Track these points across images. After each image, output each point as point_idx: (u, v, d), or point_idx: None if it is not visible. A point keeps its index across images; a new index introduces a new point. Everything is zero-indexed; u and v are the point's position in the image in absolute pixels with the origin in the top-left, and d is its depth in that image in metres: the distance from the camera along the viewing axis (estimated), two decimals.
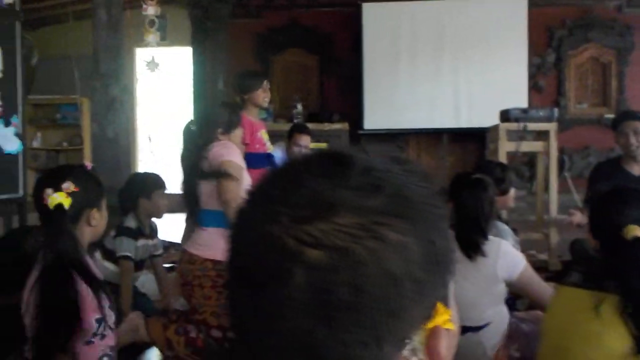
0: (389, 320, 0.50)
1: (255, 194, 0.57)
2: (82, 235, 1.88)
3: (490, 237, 2.51)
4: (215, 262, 2.71)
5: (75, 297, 1.74)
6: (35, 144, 8.39)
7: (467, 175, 2.69)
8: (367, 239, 0.50)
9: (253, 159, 3.73)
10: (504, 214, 3.25)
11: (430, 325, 0.54)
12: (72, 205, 1.80)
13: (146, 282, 3.87)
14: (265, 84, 3.92)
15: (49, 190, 1.80)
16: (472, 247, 2.43)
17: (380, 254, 0.50)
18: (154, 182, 3.61)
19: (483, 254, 2.41)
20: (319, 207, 0.51)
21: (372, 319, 0.50)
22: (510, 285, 2.50)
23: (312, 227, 0.50)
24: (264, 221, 0.52)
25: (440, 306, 0.55)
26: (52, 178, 1.87)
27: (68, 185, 1.81)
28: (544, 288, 2.51)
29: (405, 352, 0.53)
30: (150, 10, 4.62)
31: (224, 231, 2.73)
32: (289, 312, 0.50)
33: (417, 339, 0.54)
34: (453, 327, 0.57)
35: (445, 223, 0.58)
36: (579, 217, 3.52)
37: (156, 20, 4.68)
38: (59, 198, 1.78)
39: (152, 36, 4.75)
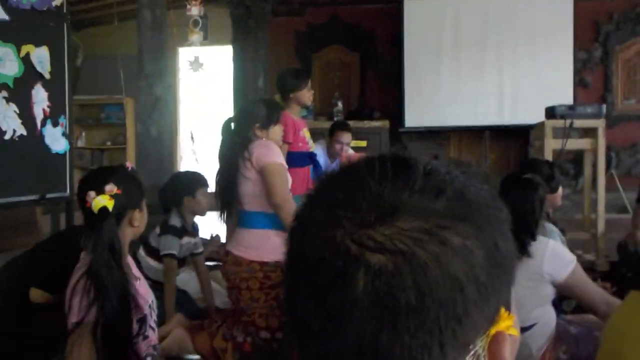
0: (453, 325, 0.50)
1: (316, 197, 0.57)
2: (124, 235, 1.91)
3: (539, 237, 2.47)
4: (262, 264, 2.72)
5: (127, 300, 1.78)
6: (80, 143, 8.60)
7: (517, 175, 2.65)
8: (430, 243, 0.49)
9: (296, 158, 3.74)
10: (551, 213, 3.18)
11: (493, 330, 0.54)
12: (115, 207, 1.83)
13: (187, 279, 3.91)
14: (309, 83, 3.91)
15: (92, 194, 1.83)
16: (520, 247, 2.40)
17: (444, 258, 0.49)
18: (197, 181, 3.64)
19: (529, 255, 2.38)
20: (382, 211, 0.51)
21: (436, 324, 0.49)
22: (557, 286, 2.46)
23: (375, 231, 0.50)
24: (326, 225, 0.52)
25: (503, 311, 0.54)
26: (94, 180, 1.89)
27: (111, 188, 1.84)
28: (593, 291, 2.46)
29: (469, 357, 0.52)
30: (194, 10, 4.68)
31: (270, 232, 2.74)
32: (354, 316, 0.49)
33: (481, 345, 0.53)
34: (516, 332, 0.56)
35: (508, 226, 0.57)
36: None
37: (200, 20, 4.73)
38: (103, 201, 1.81)
39: (195, 36, 4.81)
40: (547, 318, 2.51)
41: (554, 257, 2.42)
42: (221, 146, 2.94)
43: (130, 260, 2.06)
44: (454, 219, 0.51)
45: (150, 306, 2.00)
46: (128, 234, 1.92)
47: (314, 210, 0.56)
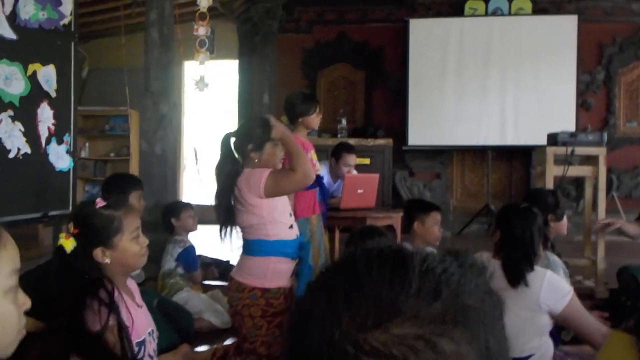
0: None
1: (317, 290, 0.59)
2: (105, 269, 1.92)
3: (537, 267, 2.49)
4: (263, 291, 2.71)
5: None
6: (84, 154, 8.63)
7: (516, 205, 2.67)
8: (424, 351, 0.51)
9: None
10: (553, 240, 3.18)
11: None
12: (75, 247, 1.87)
13: (187, 298, 3.94)
14: (318, 107, 3.93)
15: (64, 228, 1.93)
16: (517, 277, 2.41)
17: None
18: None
19: (526, 284, 2.39)
20: (379, 314, 0.53)
21: None
22: (554, 317, 2.47)
23: (371, 336, 0.52)
24: (326, 323, 0.54)
25: None
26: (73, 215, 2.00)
27: (69, 227, 1.90)
28: (589, 322, 2.47)
29: None
30: (202, 30, 4.71)
31: (270, 259, 2.74)
32: None
33: None
34: None
35: (501, 323, 0.59)
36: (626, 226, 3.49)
37: (206, 40, 4.77)
38: (61, 239, 1.87)
39: (202, 56, 4.84)
40: (544, 349, 2.52)
41: (551, 287, 2.43)
42: (219, 161, 2.88)
43: (131, 288, 2.07)
44: (448, 325, 0.53)
45: (149, 333, 2.01)
46: (106, 269, 1.92)
47: (315, 303, 0.58)
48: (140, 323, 1.95)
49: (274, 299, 2.71)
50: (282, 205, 2.79)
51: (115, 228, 1.92)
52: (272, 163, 2.83)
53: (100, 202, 1.95)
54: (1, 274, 1.08)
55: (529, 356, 2.45)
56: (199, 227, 4.39)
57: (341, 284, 0.57)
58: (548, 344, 2.54)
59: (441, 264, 0.57)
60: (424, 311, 0.53)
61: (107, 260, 1.90)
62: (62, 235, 1.87)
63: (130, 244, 1.95)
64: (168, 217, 4.21)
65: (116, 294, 1.87)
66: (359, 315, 0.53)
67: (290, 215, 2.86)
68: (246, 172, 2.74)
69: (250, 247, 2.80)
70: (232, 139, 2.87)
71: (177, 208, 4.29)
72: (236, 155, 2.82)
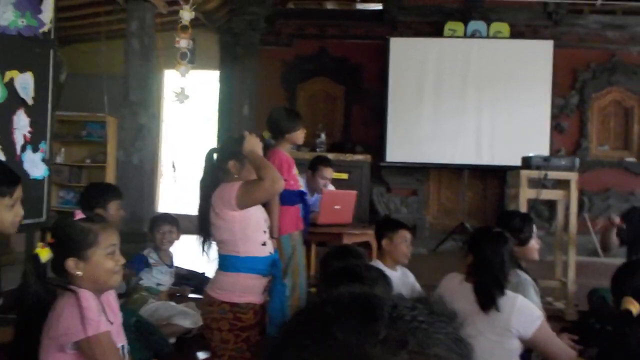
0: None
1: (287, 338, 0.60)
2: (79, 281, 1.93)
3: (508, 292, 2.51)
4: (232, 305, 2.71)
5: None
6: (59, 159, 8.51)
7: (489, 228, 2.70)
8: None
9: (287, 196, 3.76)
10: (524, 265, 3.21)
11: None
12: (52, 257, 1.90)
13: (156, 308, 3.93)
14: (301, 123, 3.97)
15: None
16: (489, 302, 2.44)
17: None
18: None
19: (497, 309, 2.42)
20: None
21: None
22: (524, 341, 2.50)
23: None
24: None
25: None
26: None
27: (47, 237, 1.94)
28: (558, 347, 2.51)
29: None
30: (183, 43, 4.70)
31: (240, 275, 2.73)
32: None
33: None
34: None
35: None
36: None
37: (188, 53, 4.76)
38: (37, 248, 1.90)
39: (182, 68, 4.83)
40: None
41: (521, 312, 2.45)
42: (202, 175, 2.90)
43: (109, 302, 2.06)
44: None
45: (121, 348, 2.01)
46: (78, 282, 1.92)
47: (286, 348, 0.59)
48: (115, 337, 1.96)
49: (243, 314, 2.71)
50: (256, 222, 2.79)
51: (90, 241, 1.93)
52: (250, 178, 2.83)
53: (78, 214, 1.97)
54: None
55: None
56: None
57: (311, 330, 0.58)
58: None
59: (411, 311, 0.58)
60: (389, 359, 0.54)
61: (79, 273, 1.91)
62: (39, 244, 1.89)
63: (105, 259, 1.95)
64: (150, 230, 4.22)
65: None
66: None
67: (265, 232, 2.85)
68: (221, 187, 2.76)
69: (222, 262, 2.81)
70: (215, 155, 2.90)
71: (153, 222, 4.27)
72: (215, 171, 2.85)
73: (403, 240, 3.39)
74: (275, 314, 2.80)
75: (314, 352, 0.56)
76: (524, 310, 2.47)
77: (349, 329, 0.56)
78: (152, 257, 4.09)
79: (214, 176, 2.84)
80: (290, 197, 3.81)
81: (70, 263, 1.90)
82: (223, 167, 2.83)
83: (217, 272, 2.85)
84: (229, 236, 2.74)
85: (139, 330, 3.38)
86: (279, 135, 3.87)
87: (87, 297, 1.87)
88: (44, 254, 1.87)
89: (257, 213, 2.83)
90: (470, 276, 2.57)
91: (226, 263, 2.79)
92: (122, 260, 2.02)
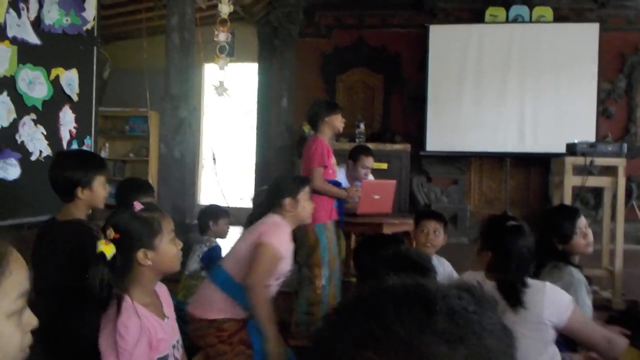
0: None
1: (342, 329, 0.59)
2: (140, 275, 1.93)
3: (534, 282, 2.46)
4: (210, 321, 2.68)
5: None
6: (103, 154, 8.72)
7: (502, 221, 2.56)
8: None
9: None
10: (577, 259, 3.09)
11: None
12: (116, 252, 1.86)
13: None
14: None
15: (101, 235, 1.90)
16: (516, 300, 2.37)
17: None
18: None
19: (524, 307, 2.35)
20: (408, 358, 0.54)
21: None
22: (558, 330, 2.44)
23: None
24: None
25: None
26: (107, 220, 1.95)
27: (109, 233, 1.88)
28: (592, 329, 2.45)
29: None
30: (222, 36, 4.74)
31: (225, 298, 2.67)
32: None
33: None
34: None
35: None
36: None
37: (226, 46, 4.80)
38: (100, 246, 1.85)
39: (222, 62, 4.87)
40: (553, 358, 2.49)
41: (553, 302, 2.37)
42: (251, 213, 3.02)
43: (164, 295, 2.08)
44: None
45: (174, 346, 2.02)
46: (145, 272, 1.94)
47: (340, 343, 0.58)
48: (162, 338, 1.94)
49: (224, 323, 2.67)
50: (281, 267, 2.77)
51: (155, 229, 1.93)
52: (304, 216, 2.93)
53: (137, 205, 1.95)
54: (7, 298, 1.07)
55: None
56: None
57: (368, 326, 0.57)
58: (555, 353, 2.51)
59: (460, 302, 0.58)
60: (449, 355, 0.54)
61: (149, 262, 1.91)
62: (102, 242, 1.85)
63: (169, 245, 1.96)
64: (206, 219, 4.16)
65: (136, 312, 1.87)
66: (387, 358, 0.54)
67: (278, 279, 2.83)
68: (274, 222, 2.81)
69: (217, 273, 2.78)
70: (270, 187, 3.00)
71: (217, 213, 4.23)
72: (264, 208, 2.93)
73: (421, 230, 3.40)
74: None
75: (375, 349, 0.55)
76: (555, 299, 2.38)
77: (410, 325, 0.56)
78: None
79: (268, 206, 2.91)
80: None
81: (140, 254, 1.90)
82: (277, 202, 2.88)
83: (205, 282, 2.84)
84: (246, 261, 2.71)
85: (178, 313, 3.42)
86: (319, 122, 3.90)
87: (127, 321, 1.84)
88: (109, 250, 1.84)
89: (287, 260, 2.82)
90: (490, 273, 2.50)
91: (220, 276, 2.76)
92: (181, 244, 2.03)
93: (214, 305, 2.68)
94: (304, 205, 2.90)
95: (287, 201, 2.85)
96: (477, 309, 0.58)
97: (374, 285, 0.63)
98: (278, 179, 3.06)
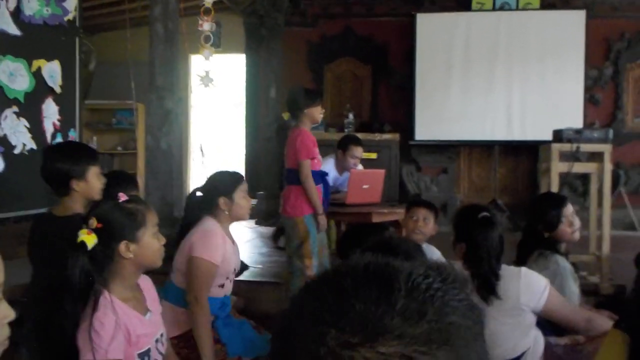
0: None
1: (303, 306, 0.59)
2: (121, 268, 1.90)
3: (509, 267, 2.46)
4: (177, 338, 2.64)
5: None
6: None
7: (473, 212, 2.56)
8: None
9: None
10: (563, 247, 3.09)
11: None
12: (97, 242, 1.83)
13: None
14: (321, 101, 3.96)
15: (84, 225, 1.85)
16: (489, 292, 2.38)
17: None
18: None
19: (498, 297, 2.36)
20: (365, 333, 0.53)
21: None
22: (536, 313, 2.45)
23: (357, 353, 0.52)
24: (311, 339, 0.55)
25: None
26: (90, 210, 1.92)
27: (92, 222, 1.84)
28: (570, 310, 2.47)
29: None
30: (206, 26, 4.70)
31: (184, 312, 2.64)
32: None
33: None
34: None
35: (482, 338, 0.59)
36: None
37: (211, 36, 4.76)
38: (82, 235, 1.81)
39: (206, 51, 4.83)
40: (535, 341, 2.50)
41: (528, 287, 2.39)
42: (184, 215, 2.94)
43: (147, 288, 2.05)
44: (433, 344, 0.53)
45: (157, 340, 1.99)
46: (126, 265, 1.90)
47: (300, 319, 0.58)
48: (143, 333, 1.90)
49: (190, 333, 2.64)
50: (222, 270, 2.74)
51: (139, 222, 1.91)
52: (240, 214, 2.86)
53: (122, 196, 1.92)
54: None
55: (522, 354, 2.44)
56: None
57: (327, 301, 0.57)
58: (538, 337, 2.52)
59: (425, 279, 0.57)
60: (410, 331, 0.53)
61: (131, 255, 1.88)
62: (84, 231, 1.82)
63: (152, 239, 1.94)
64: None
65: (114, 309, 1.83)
66: (345, 333, 0.53)
67: (228, 278, 2.81)
68: (205, 230, 2.73)
69: (169, 291, 2.73)
70: (199, 193, 2.90)
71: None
72: (204, 207, 2.84)
73: (411, 217, 3.40)
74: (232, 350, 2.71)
75: (332, 324, 0.54)
76: (530, 284, 2.40)
77: (367, 300, 0.55)
78: None
79: (195, 215, 2.83)
80: (312, 177, 3.82)
81: (122, 246, 1.87)
82: (212, 203, 2.80)
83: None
84: (184, 272, 2.69)
85: None
86: (298, 112, 3.87)
87: (103, 317, 1.81)
88: (91, 240, 1.81)
89: (229, 260, 2.78)
90: (465, 264, 2.48)
91: (173, 294, 2.71)
92: (164, 240, 2.00)
93: (174, 322, 2.64)
94: (240, 203, 2.83)
95: (222, 200, 2.78)
96: (441, 286, 0.57)
97: (338, 264, 0.62)
98: (213, 177, 2.97)
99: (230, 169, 3.04)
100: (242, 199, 2.84)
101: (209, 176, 2.96)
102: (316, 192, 3.78)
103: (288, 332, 0.58)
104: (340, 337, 0.53)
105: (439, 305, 0.55)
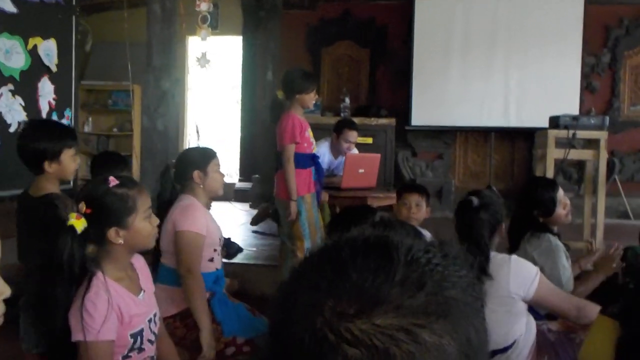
0: None
1: (300, 276, 0.59)
2: (113, 251, 1.88)
3: (499, 255, 2.47)
4: (173, 317, 2.66)
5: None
6: (87, 128, 8.63)
7: (469, 196, 2.59)
8: (405, 342, 0.51)
9: (300, 159, 3.78)
10: (555, 229, 3.12)
11: None
12: (87, 227, 1.79)
13: None
14: (316, 87, 3.92)
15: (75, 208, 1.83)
16: (479, 270, 2.39)
17: (417, 356, 0.51)
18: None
19: (490, 277, 2.35)
20: (362, 304, 0.53)
21: None
22: (527, 302, 2.46)
23: (353, 325, 0.52)
24: (308, 310, 0.55)
25: None
26: (80, 192, 1.89)
27: (81, 207, 1.80)
28: (561, 298, 2.48)
29: None
30: (204, 6, 4.67)
31: (180, 291, 2.64)
32: None
33: None
34: None
35: (482, 315, 0.59)
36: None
37: (208, 16, 4.73)
38: (71, 219, 1.78)
39: (203, 32, 4.81)
40: (527, 329, 2.51)
41: (518, 275, 2.40)
42: (160, 191, 2.93)
43: (141, 267, 2.03)
44: (431, 317, 0.53)
45: (151, 319, 1.98)
46: (117, 249, 1.88)
47: (298, 290, 0.58)
48: (136, 313, 1.89)
49: (187, 311, 2.64)
50: (209, 242, 2.75)
51: (129, 207, 1.86)
52: (215, 188, 2.86)
53: (113, 181, 1.86)
54: None
55: (513, 342, 2.45)
56: None
57: (325, 271, 0.57)
58: (530, 324, 2.54)
59: (426, 254, 0.57)
60: (407, 302, 0.53)
61: (121, 241, 1.84)
62: (73, 215, 1.77)
63: (144, 223, 1.89)
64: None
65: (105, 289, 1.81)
66: (341, 303, 0.53)
67: (215, 250, 2.82)
68: (184, 205, 2.74)
69: (161, 273, 2.74)
70: (172, 170, 2.91)
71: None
72: (178, 185, 2.86)
73: (403, 203, 3.41)
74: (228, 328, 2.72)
75: (328, 293, 0.54)
76: (520, 272, 2.41)
77: (365, 270, 0.55)
78: None
79: (171, 191, 2.85)
80: (303, 160, 3.81)
81: (112, 233, 1.83)
82: (186, 177, 2.81)
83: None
84: (172, 251, 2.71)
85: None
86: (291, 95, 3.84)
87: (95, 298, 1.78)
88: (80, 224, 1.77)
89: (214, 231, 2.80)
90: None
91: (165, 275, 2.73)
92: (157, 221, 1.97)
93: (170, 301, 2.65)
94: (214, 176, 2.84)
95: (196, 174, 2.79)
96: (442, 262, 0.57)
97: (338, 237, 0.62)
98: (186, 152, 2.99)
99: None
100: (216, 173, 2.85)
101: (181, 152, 2.96)
102: (293, 177, 3.75)
103: (286, 303, 0.58)
104: (337, 307, 0.53)
105: (439, 278, 0.55)
